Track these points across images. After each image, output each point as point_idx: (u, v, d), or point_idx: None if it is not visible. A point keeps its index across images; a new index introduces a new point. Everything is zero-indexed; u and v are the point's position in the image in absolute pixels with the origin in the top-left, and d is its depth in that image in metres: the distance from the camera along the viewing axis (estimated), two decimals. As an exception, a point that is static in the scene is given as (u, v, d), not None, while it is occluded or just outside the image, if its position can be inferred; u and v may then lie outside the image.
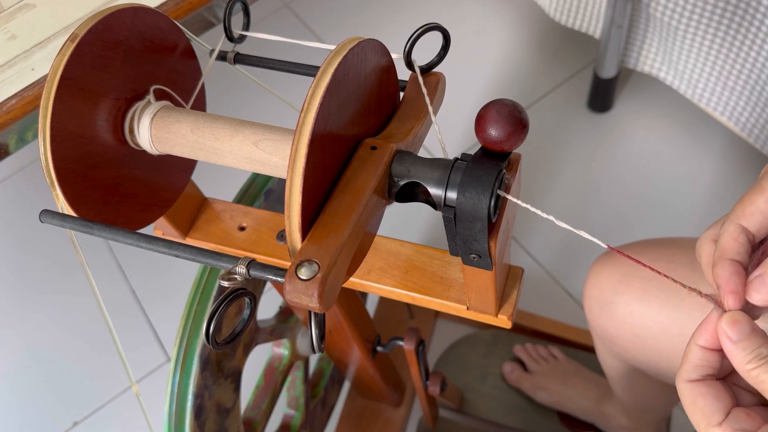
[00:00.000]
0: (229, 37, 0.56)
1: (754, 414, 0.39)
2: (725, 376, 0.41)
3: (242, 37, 0.56)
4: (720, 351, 0.40)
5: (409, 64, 0.51)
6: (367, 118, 0.49)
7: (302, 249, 0.41)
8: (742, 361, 0.38)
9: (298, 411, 1.00)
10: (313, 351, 0.42)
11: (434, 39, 0.52)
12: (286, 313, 0.90)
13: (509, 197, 0.45)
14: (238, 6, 0.56)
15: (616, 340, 0.76)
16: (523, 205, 0.45)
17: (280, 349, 0.91)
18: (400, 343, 0.83)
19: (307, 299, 0.40)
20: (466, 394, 1.16)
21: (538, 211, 0.45)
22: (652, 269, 0.43)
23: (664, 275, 0.43)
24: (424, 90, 0.52)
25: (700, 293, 0.41)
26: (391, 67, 0.51)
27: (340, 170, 0.47)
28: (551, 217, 0.44)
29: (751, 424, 0.39)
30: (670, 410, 0.99)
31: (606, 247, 0.43)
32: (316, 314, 0.43)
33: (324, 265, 0.40)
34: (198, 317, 0.70)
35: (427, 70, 0.53)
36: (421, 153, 1.48)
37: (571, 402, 1.09)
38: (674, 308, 0.69)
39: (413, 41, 0.50)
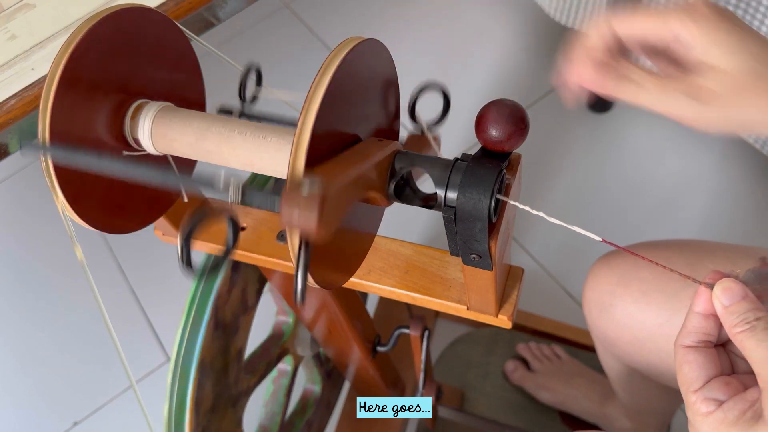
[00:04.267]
0: (242, 99, 0.58)
1: (734, 383, 0.42)
2: (724, 343, 0.44)
3: (254, 99, 0.58)
4: (715, 317, 0.43)
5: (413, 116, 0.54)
6: (368, 119, 0.49)
7: (304, 173, 0.40)
8: (730, 324, 0.41)
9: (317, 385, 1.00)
10: (296, 300, 0.40)
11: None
12: (278, 334, 0.90)
13: (508, 200, 0.45)
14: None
15: (615, 343, 0.76)
16: (521, 206, 0.45)
17: (285, 365, 0.91)
18: (406, 330, 0.83)
19: (306, 215, 0.37)
20: (467, 392, 1.15)
21: (539, 213, 0.45)
22: (647, 260, 0.46)
23: (656, 263, 0.45)
24: (435, 146, 0.52)
25: (695, 280, 0.43)
26: (391, 66, 0.51)
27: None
28: (541, 214, 0.45)
29: (725, 392, 0.42)
30: (672, 413, 0.98)
31: (600, 240, 0.44)
32: (306, 248, 0.40)
33: (327, 183, 0.38)
34: (198, 317, 0.70)
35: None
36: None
37: (574, 403, 1.09)
38: (672, 310, 0.69)
39: (414, 101, 0.53)
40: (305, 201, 0.37)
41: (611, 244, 0.44)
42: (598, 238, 0.44)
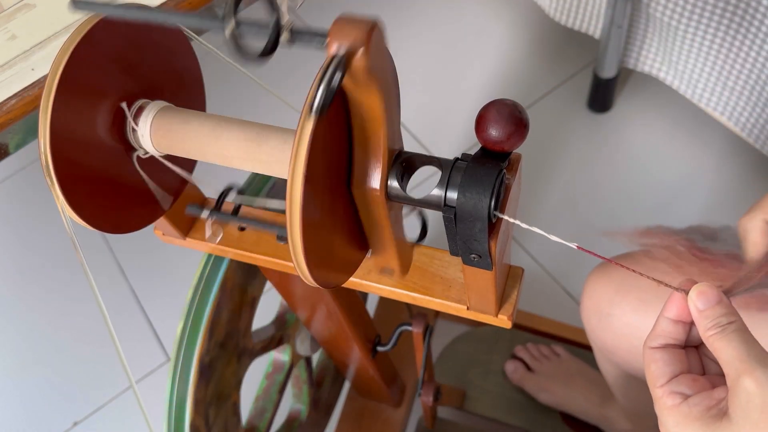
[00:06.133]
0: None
1: (701, 380, 0.43)
2: (697, 346, 0.45)
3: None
4: (684, 324, 0.44)
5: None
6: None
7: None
8: (703, 328, 0.42)
9: (303, 404, 1.00)
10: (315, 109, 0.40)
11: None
12: (282, 319, 0.90)
13: (504, 217, 0.45)
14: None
15: (614, 351, 0.76)
16: (513, 221, 0.45)
17: (281, 355, 0.91)
18: (408, 328, 0.83)
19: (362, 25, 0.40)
20: (468, 390, 1.15)
21: (515, 221, 0.45)
22: (622, 265, 0.47)
23: (631, 269, 0.46)
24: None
25: (669, 286, 0.44)
26: (391, 66, 0.51)
27: (342, 169, 0.46)
28: (517, 221, 0.45)
29: (691, 387, 0.43)
30: None
31: (575, 247, 0.45)
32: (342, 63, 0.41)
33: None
34: (198, 317, 0.70)
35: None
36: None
37: (573, 404, 1.09)
38: None
39: None
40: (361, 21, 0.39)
41: (587, 251, 0.44)
42: (574, 246, 0.44)
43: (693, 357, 0.45)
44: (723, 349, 0.41)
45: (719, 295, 0.42)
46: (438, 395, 0.90)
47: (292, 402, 1.02)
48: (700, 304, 0.42)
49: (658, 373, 0.44)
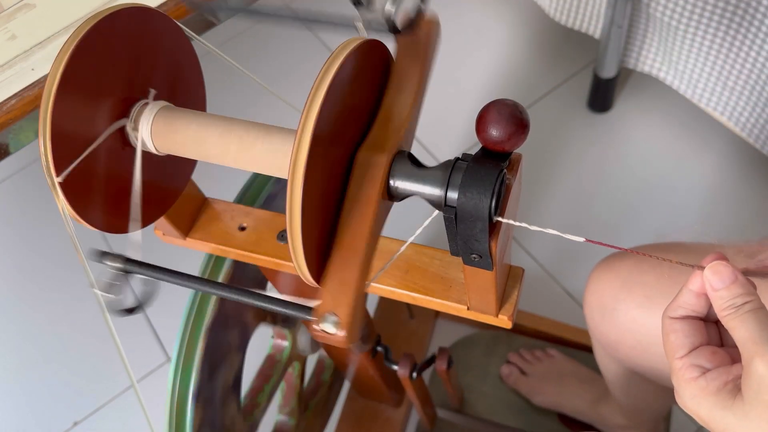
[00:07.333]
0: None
1: (721, 353, 0.43)
2: (717, 322, 0.45)
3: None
4: (707, 296, 0.44)
5: (392, 25, 0.47)
6: (370, 118, 0.49)
7: (322, 304, 0.45)
8: (719, 307, 0.42)
9: (292, 418, 0.99)
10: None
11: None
12: (272, 359, 0.89)
13: (504, 220, 0.45)
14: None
15: (617, 347, 0.76)
16: (506, 221, 0.45)
17: (283, 342, 0.90)
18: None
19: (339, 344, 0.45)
20: (466, 393, 1.16)
21: (510, 221, 0.45)
22: (642, 254, 0.47)
23: (656, 257, 0.46)
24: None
25: (693, 267, 0.44)
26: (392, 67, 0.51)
27: (341, 171, 0.46)
28: (511, 221, 0.45)
29: (711, 361, 0.43)
30: (668, 409, 0.98)
31: (583, 240, 0.45)
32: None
33: (344, 321, 0.44)
34: (198, 317, 0.70)
35: (411, 24, 0.50)
36: (421, 153, 1.48)
37: (567, 403, 1.09)
38: None
39: None
40: (336, 340, 0.44)
41: (596, 242, 0.44)
42: (581, 239, 0.44)
43: (712, 330, 0.45)
44: (737, 329, 0.41)
45: (734, 274, 0.42)
46: (450, 363, 0.88)
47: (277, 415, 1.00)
48: (715, 283, 0.42)
49: (678, 343, 0.44)
